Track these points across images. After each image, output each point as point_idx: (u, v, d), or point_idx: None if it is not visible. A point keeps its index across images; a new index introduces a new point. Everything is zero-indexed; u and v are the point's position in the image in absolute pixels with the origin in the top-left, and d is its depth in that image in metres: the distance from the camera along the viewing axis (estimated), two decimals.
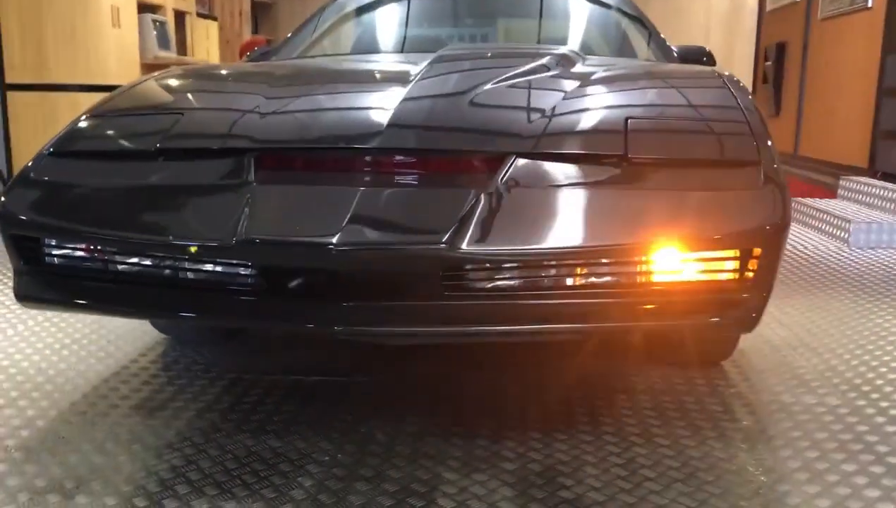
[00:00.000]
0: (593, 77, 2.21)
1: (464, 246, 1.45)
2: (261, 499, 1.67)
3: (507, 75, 2.17)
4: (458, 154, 1.70)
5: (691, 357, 2.49)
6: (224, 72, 2.53)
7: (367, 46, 3.71)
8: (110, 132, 1.96)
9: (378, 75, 2.41)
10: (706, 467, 1.84)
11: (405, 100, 1.88)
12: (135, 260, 1.66)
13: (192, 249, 1.53)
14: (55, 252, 1.73)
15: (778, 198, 1.58)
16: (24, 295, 1.73)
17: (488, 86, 2.04)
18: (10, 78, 5.27)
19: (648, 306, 1.55)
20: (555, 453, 1.90)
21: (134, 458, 1.86)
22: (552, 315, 1.53)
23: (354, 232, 1.46)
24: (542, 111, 1.87)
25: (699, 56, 3.42)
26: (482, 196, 1.56)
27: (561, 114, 1.86)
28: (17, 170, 5.28)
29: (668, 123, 1.84)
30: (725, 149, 1.73)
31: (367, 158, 1.68)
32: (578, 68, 2.37)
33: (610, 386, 2.33)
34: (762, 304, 1.59)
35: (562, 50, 2.69)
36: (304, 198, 1.60)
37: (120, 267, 1.67)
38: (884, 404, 2.21)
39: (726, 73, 2.36)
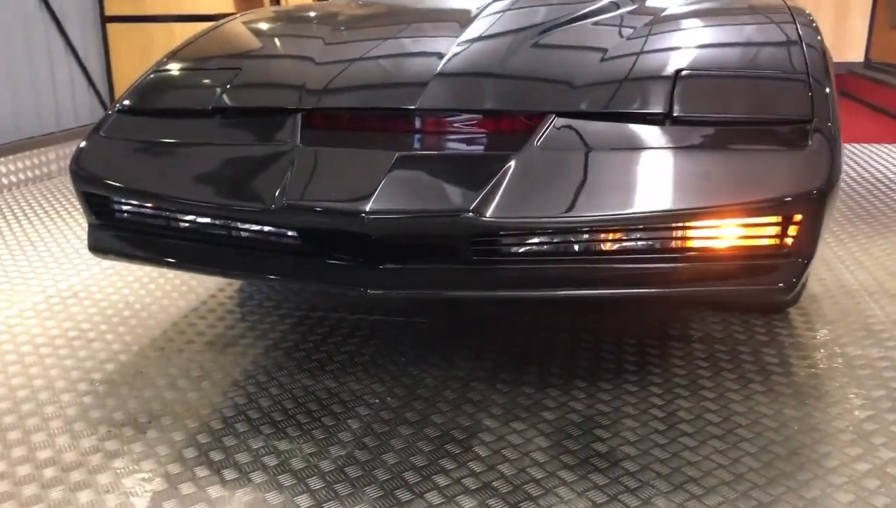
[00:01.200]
0: (656, 18, 2.14)
1: (490, 213, 1.47)
2: (311, 440, 1.80)
3: (567, 18, 2.13)
4: (495, 114, 1.71)
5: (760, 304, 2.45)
6: (290, 17, 2.58)
7: None
8: (172, 89, 2.05)
9: (436, 16, 2.40)
10: (748, 423, 1.85)
11: (450, 55, 1.89)
12: (189, 218, 1.76)
13: (237, 211, 1.62)
14: (121, 208, 1.85)
15: (823, 161, 1.52)
16: (95, 247, 1.88)
17: (539, 34, 2.02)
18: (108, 10, 5.48)
19: (683, 272, 1.54)
20: (596, 404, 1.94)
21: (202, 395, 2.02)
22: (583, 280, 1.54)
23: (385, 198, 1.51)
24: (588, 64, 1.84)
25: None
26: (515, 160, 1.57)
27: (608, 69, 1.82)
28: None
29: (718, 76, 1.77)
30: (774, 107, 1.66)
31: (401, 120, 1.71)
32: (647, 4, 2.30)
33: (665, 334, 2.33)
34: (802, 270, 1.55)
35: None
36: (341, 162, 1.65)
37: (177, 224, 1.79)
38: None
39: (801, 12, 2.24)
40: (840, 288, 2.70)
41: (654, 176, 1.54)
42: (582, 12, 2.24)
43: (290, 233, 1.66)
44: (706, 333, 2.34)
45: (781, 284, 1.54)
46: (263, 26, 2.44)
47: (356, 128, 1.77)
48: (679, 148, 1.58)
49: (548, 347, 2.25)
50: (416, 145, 1.66)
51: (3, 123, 4.60)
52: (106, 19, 5.47)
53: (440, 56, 1.95)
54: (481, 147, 1.64)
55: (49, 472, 1.69)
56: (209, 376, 2.12)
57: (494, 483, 1.62)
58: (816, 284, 2.73)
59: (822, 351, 2.22)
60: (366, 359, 2.19)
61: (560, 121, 1.66)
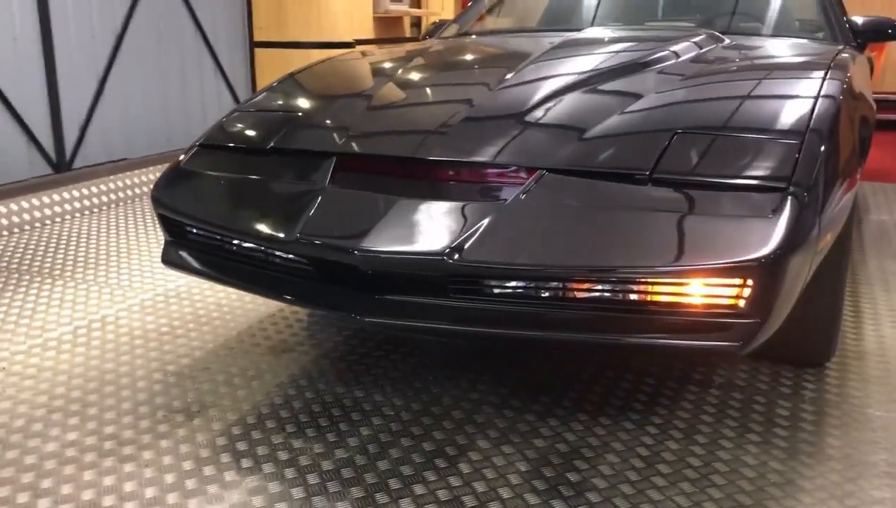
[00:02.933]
0: (685, 77, 2.26)
1: (464, 258, 1.67)
2: (323, 441, 2.06)
3: (597, 73, 2.29)
4: (492, 167, 1.90)
5: (790, 355, 2.48)
6: (354, 65, 2.87)
7: (552, 18, 3.87)
8: (243, 129, 2.38)
9: (491, 61, 2.61)
10: (726, 471, 1.93)
11: (476, 106, 2.11)
12: (236, 243, 2.07)
13: (266, 239, 1.91)
14: (188, 230, 2.20)
15: (781, 228, 1.59)
16: (167, 260, 2.23)
17: (565, 88, 2.19)
18: (256, 37, 6.06)
19: (644, 323, 1.67)
20: (588, 437, 2.08)
21: (249, 392, 2.33)
22: (548, 324, 1.70)
23: (378, 238, 1.75)
24: (594, 121, 1.99)
25: (884, 29, 3.17)
26: (496, 211, 1.76)
27: (610, 126, 1.97)
28: None
29: (712, 138, 1.87)
30: (753, 171, 1.74)
31: (408, 167, 1.94)
32: (686, 61, 2.42)
33: (687, 377, 2.42)
34: (757, 331, 1.64)
35: (690, 38, 2.70)
36: (353, 203, 1.89)
37: (228, 247, 2.10)
38: None
39: (843, 64, 2.28)
40: (895, 347, 2.66)
41: (623, 233, 1.68)
42: (622, 63, 2.39)
43: (303, 263, 1.93)
44: (728, 380, 2.41)
45: (736, 343, 1.63)
46: (323, 77, 2.75)
47: (374, 172, 2.01)
48: (652, 208, 1.71)
49: (567, 379, 2.39)
50: (417, 191, 1.88)
51: (155, 135, 5.22)
52: (254, 45, 6.05)
53: (470, 104, 2.17)
54: (473, 197, 1.83)
55: (108, 444, 2.05)
56: (261, 376, 2.44)
57: (464, 498, 1.81)
58: (872, 341, 2.71)
59: (839, 409, 2.23)
60: (398, 374, 2.43)
61: (548, 177, 1.83)
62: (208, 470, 1.93)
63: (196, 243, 2.19)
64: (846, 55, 2.65)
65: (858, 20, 3.20)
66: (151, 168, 4.99)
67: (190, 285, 3.26)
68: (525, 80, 2.32)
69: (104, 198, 4.65)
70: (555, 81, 2.29)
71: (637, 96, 2.14)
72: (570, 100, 2.15)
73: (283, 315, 2.94)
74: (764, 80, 2.27)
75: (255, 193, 2.08)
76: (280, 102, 2.53)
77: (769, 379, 2.41)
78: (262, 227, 1.94)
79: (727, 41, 2.79)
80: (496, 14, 3.93)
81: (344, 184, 1.99)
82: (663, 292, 1.66)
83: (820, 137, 1.87)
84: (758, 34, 3.12)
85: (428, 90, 2.43)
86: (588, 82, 2.26)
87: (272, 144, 2.22)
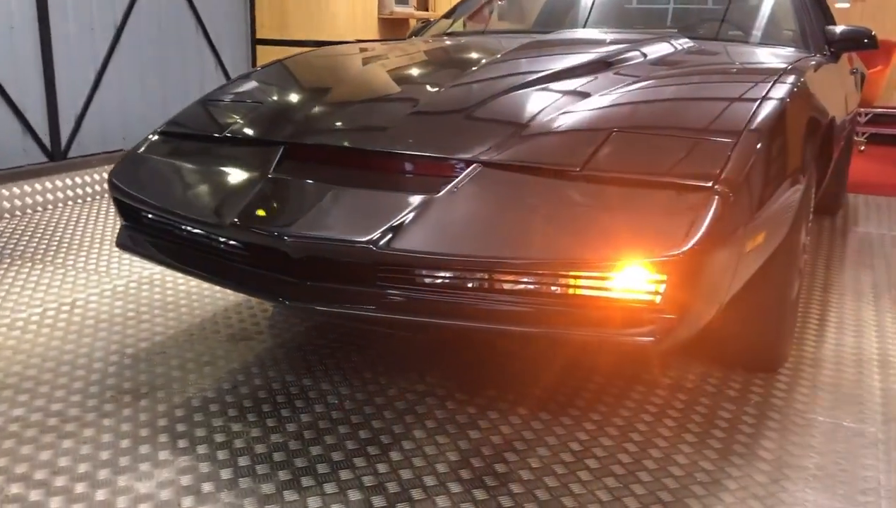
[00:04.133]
0: (639, 78, 2.27)
1: (389, 246, 1.69)
2: (261, 426, 2.09)
3: (551, 73, 2.31)
4: (430, 160, 1.92)
5: (740, 360, 2.48)
6: (324, 59, 2.91)
7: (545, 19, 3.90)
8: (201, 118, 2.43)
9: (436, 70, 2.63)
10: (654, 468, 1.93)
11: (423, 101, 2.14)
12: (182, 229, 2.11)
13: (206, 225, 1.95)
14: (141, 215, 2.24)
15: (698, 225, 1.61)
16: (120, 244, 2.28)
17: (513, 86, 2.21)
18: (259, 34, 6.13)
19: (562, 316, 1.69)
20: (524, 430, 2.09)
21: (200, 377, 2.37)
22: (471, 314, 1.72)
23: (307, 224, 1.78)
24: (535, 117, 2.02)
25: (860, 38, 3.17)
26: (426, 202, 1.78)
27: (551, 123, 1.99)
28: None
29: (648, 136, 1.89)
30: (682, 168, 1.76)
31: (349, 158, 1.98)
32: (644, 64, 2.44)
33: (636, 377, 2.43)
34: (673, 327, 1.65)
35: (654, 42, 2.72)
36: (289, 191, 1.93)
37: (176, 233, 2.14)
38: None
39: (799, 69, 2.29)
40: (853, 355, 2.65)
41: (547, 227, 1.70)
42: (577, 64, 2.41)
43: (240, 248, 1.97)
44: (676, 382, 2.41)
45: (652, 338, 1.65)
46: (306, 63, 2.80)
47: (317, 161, 2.05)
48: (578, 203, 1.73)
49: (517, 374, 2.41)
50: (355, 181, 1.91)
51: (154, 125, 5.29)
52: (256, 41, 6.12)
53: (419, 101, 2.20)
54: (408, 188, 1.86)
55: (52, 421, 2.09)
56: (215, 362, 2.47)
57: (388, 484, 1.84)
58: (830, 349, 2.70)
59: (781, 414, 2.23)
60: (349, 366, 2.46)
61: (482, 170, 1.86)
62: (144, 449, 1.97)
63: (148, 227, 2.24)
64: (810, 62, 2.65)
65: (836, 29, 3.20)
66: None
67: (164, 272, 3.31)
68: (478, 78, 2.35)
69: (97, 188, 4.73)
70: (507, 80, 2.32)
71: (585, 95, 2.16)
72: (516, 97, 2.17)
73: (249, 304, 2.98)
74: (715, 82, 2.29)
75: (203, 180, 2.12)
76: (243, 93, 2.57)
77: (718, 382, 2.41)
78: (204, 212, 1.98)
79: (692, 45, 2.80)
80: (485, 14, 3.96)
81: (287, 172, 2.03)
82: (583, 285, 1.68)
83: (758, 137, 1.88)
84: (726, 40, 3.13)
85: (385, 86, 2.46)
86: (539, 81, 2.28)
87: (226, 133, 2.26)
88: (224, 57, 5.80)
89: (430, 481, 1.85)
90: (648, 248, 1.60)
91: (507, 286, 1.72)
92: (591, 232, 1.67)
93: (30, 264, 3.41)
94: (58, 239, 3.84)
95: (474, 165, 1.87)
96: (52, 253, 3.59)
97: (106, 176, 4.73)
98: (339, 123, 2.17)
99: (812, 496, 1.84)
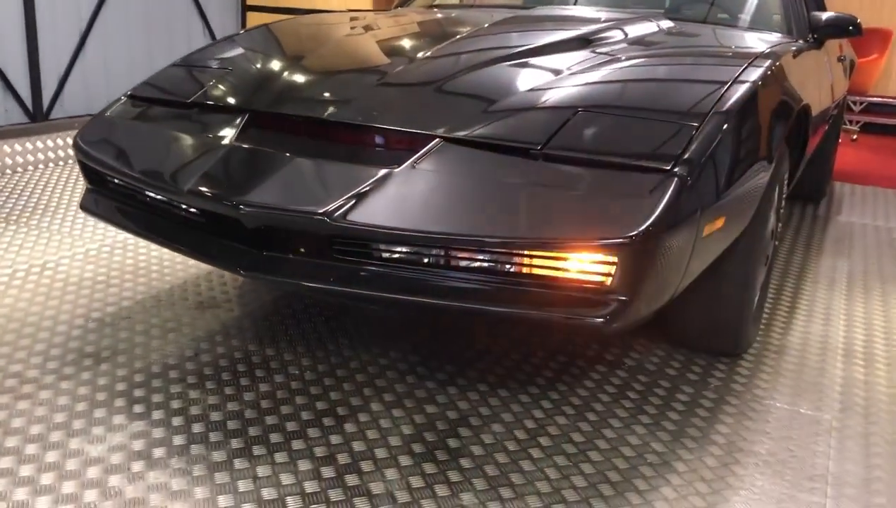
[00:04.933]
0: (612, 57, 2.25)
1: (344, 218, 1.68)
2: (218, 394, 2.09)
3: (525, 49, 2.29)
4: (392, 133, 1.91)
5: (703, 343, 2.49)
6: (303, 27, 2.88)
7: None
8: (171, 82, 2.41)
9: (411, 42, 2.60)
10: (605, 448, 1.94)
11: (390, 74, 2.12)
12: (144, 194, 2.10)
13: (166, 191, 1.94)
14: (105, 179, 2.22)
15: (651, 208, 1.60)
16: (84, 207, 2.27)
17: (486, 64, 2.19)
18: (250, 1, 6.06)
19: (516, 294, 1.68)
20: (480, 406, 2.10)
21: (163, 343, 2.37)
22: (427, 290, 1.71)
23: (263, 193, 1.77)
24: (500, 94, 2.00)
25: (845, 25, 3.14)
26: (385, 175, 1.77)
27: (515, 100, 1.97)
28: None
29: (611, 116, 1.88)
30: (643, 150, 1.75)
31: (312, 128, 1.96)
32: (619, 43, 2.42)
33: (600, 358, 2.43)
34: (624, 308, 1.65)
35: (634, 21, 2.70)
36: (249, 160, 1.91)
37: (138, 199, 2.13)
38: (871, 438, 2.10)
39: (773, 54, 2.27)
40: (819, 344, 2.66)
41: (504, 205, 1.69)
42: (553, 41, 2.39)
43: (198, 215, 1.96)
44: (639, 363, 2.42)
45: (602, 319, 1.65)
46: (283, 31, 2.77)
47: (280, 130, 2.03)
48: (536, 183, 1.72)
49: (481, 351, 2.41)
50: (315, 151, 1.90)
51: None
52: (247, 7, 6.05)
53: (388, 73, 2.18)
54: (369, 160, 1.84)
55: (9, 382, 2.09)
56: (179, 329, 2.47)
57: (338, 455, 1.84)
58: (797, 337, 2.71)
59: (740, 399, 2.24)
60: (314, 336, 2.46)
61: (443, 146, 1.85)
62: (99, 413, 1.97)
63: (112, 192, 2.22)
64: (790, 47, 2.64)
65: (822, 16, 3.18)
66: None
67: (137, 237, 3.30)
68: (451, 52, 2.33)
69: None
70: (481, 55, 2.30)
71: (557, 73, 2.14)
72: (486, 73, 2.15)
73: (220, 272, 2.98)
74: (689, 64, 2.27)
75: (167, 146, 2.10)
76: (213, 59, 2.54)
77: (680, 365, 2.42)
78: (164, 179, 1.97)
79: (674, 26, 2.78)
80: None
81: (249, 140, 2.01)
82: (538, 265, 1.68)
83: (723, 121, 1.87)
84: (711, 22, 3.10)
85: (358, 57, 2.44)
86: (513, 57, 2.26)
87: (193, 99, 2.25)
88: (213, 23, 5.74)
89: (381, 453, 1.86)
90: (601, 230, 1.60)
91: (461, 263, 1.72)
92: (547, 212, 1.66)
93: (3, 225, 3.40)
94: (35, 200, 3.82)
95: (436, 140, 1.86)
96: (27, 214, 3.58)
97: None
98: (304, 93, 2.15)
99: (760, 480, 1.85)
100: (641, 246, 1.59)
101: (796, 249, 3.76)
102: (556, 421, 2.05)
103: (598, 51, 2.36)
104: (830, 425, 2.13)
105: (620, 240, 1.58)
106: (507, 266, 1.70)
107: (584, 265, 1.65)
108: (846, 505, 1.78)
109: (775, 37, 2.92)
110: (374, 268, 1.76)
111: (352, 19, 3.01)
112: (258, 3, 6.07)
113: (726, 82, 2.03)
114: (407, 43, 2.57)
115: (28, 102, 4.58)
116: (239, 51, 2.60)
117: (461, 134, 1.86)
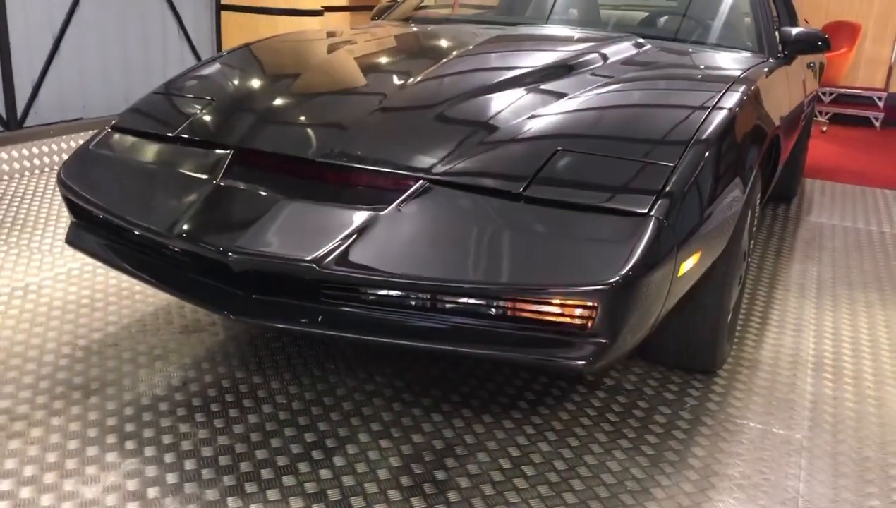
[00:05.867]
0: (592, 88, 2.31)
1: (335, 265, 1.73)
2: (208, 427, 2.13)
3: (505, 80, 2.34)
4: (378, 175, 1.95)
5: (679, 362, 2.56)
6: (280, 50, 2.90)
7: (506, 9, 3.90)
8: (154, 113, 2.42)
9: (391, 70, 2.64)
10: (587, 476, 2.02)
11: (377, 106, 2.17)
12: (128, 233, 2.12)
13: (153, 233, 1.96)
14: (90, 215, 2.24)
15: (628, 255, 1.66)
16: (70, 241, 2.29)
17: (469, 96, 2.24)
18: (224, 0, 6.03)
19: (498, 337, 1.74)
20: (465, 434, 2.16)
21: (150, 372, 2.40)
22: (409, 333, 1.77)
23: (251, 239, 1.81)
24: (483, 132, 2.05)
25: (814, 41, 3.22)
26: (372, 219, 1.81)
27: (497, 138, 2.02)
28: None
29: (588, 157, 1.94)
30: (618, 196, 1.81)
31: (298, 167, 2.00)
32: (601, 68, 2.48)
33: (580, 378, 2.50)
34: (604, 351, 1.71)
35: (611, 43, 2.75)
36: (236, 201, 1.95)
37: (123, 236, 2.15)
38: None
39: (750, 79, 2.34)
40: (790, 357, 2.75)
41: (487, 249, 1.74)
42: (534, 69, 2.44)
43: (185, 257, 1.99)
44: (618, 382, 2.49)
45: (583, 361, 1.71)
46: (261, 54, 2.79)
47: (266, 169, 2.06)
48: (518, 227, 1.77)
49: (464, 375, 2.46)
50: (301, 192, 1.93)
51: (113, 96, 5.21)
52: (221, 7, 6.01)
53: (371, 105, 2.22)
54: (354, 202, 1.88)
55: (0, 419, 2.12)
56: (166, 356, 2.50)
57: (329, 491, 1.90)
58: (769, 350, 2.79)
59: (715, 419, 2.32)
60: (300, 362, 2.50)
61: (427, 188, 1.89)
62: (91, 451, 2.00)
63: (97, 227, 2.24)
64: (763, 69, 2.70)
65: (792, 31, 3.25)
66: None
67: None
68: (432, 82, 2.37)
69: (55, 158, 4.67)
70: (461, 84, 2.34)
71: (535, 106, 2.19)
72: (468, 106, 2.20)
73: None
74: (664, 93, 2.33)
75: (152, 183, 2.13)
76: (196, 87, 2.56)
77: (657, 384, 2.50)
78: (150, 219, 1.99)
79: (648, 48, 2.83)
80: None
81: (235, 179, 2.04)
82: (520, 309, 1.73)
83: (699, 157, 1.93)
84: (682, 41, 3.16)
85: (340, 87, 2.47)
86: (493, 88, 2.30)
87: (177, 132, 2.27)
88: (187, 23, 5.70)
89: (371, 488, 1.92)
90: (581, 276, 1.66)
91: (447, 306, 1.77)
92: (528, 257, 1.71)
93: None
94: (12, 214, 3.80)
95: (420, 182, 1.90)
96: (5, 230, 3.57)
97: (65, 145, 4.68)
98: (288, 129, 2.18)
99: (734, 505, 1.93)
100: (621, 290, 1.65)
101: (767, 255, 3.85)
102: (539, 447, 2.12)
103: (578, 79, 2.41)
104: (801, 444, 2.22)
105: (601, 286, 1.63)
106: (490, 310, 1.76)
107: (566, 309, 1.71)
108: None
109: (747, 56, 2.98)
110: (361, 312, 1.81)
111: (332, 39, 3.03)
112: (233, 3, 6.03)
113: (702, 113, 2.10)
114: (390, 69, 2.60)
115: (1, 110, 4.54)
116: (221, 78, 2.62)
117: (444, 177, 1.91)
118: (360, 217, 1.83)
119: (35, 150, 4.55)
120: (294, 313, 1.82)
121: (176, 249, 2.00)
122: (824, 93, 7.81)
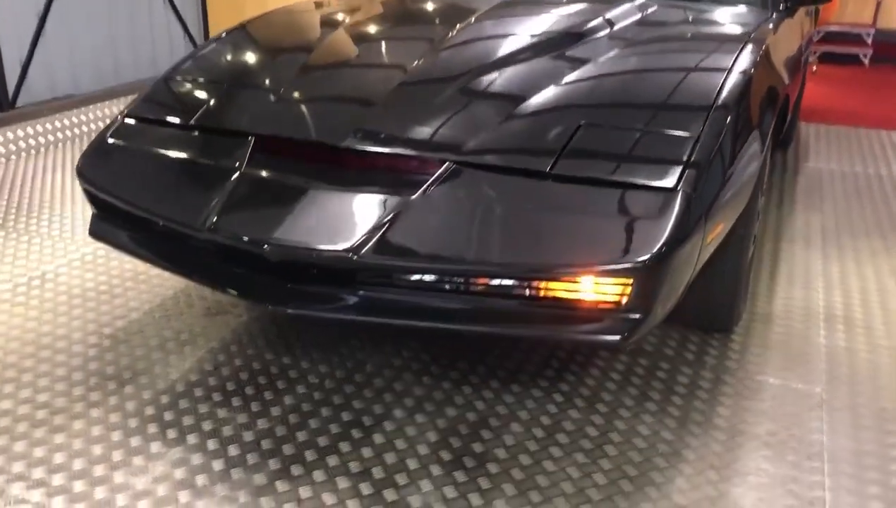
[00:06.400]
0: (606, 55, 2.32)
1: (372, 254, 1.75)
2: (246, 411, 2.17)
3: (522, 48, 2.35)
4: (404, 158, 1.96)
5: (696, 321, 2.62)
6: (289, 23, 2.87)
7: None
8: (167, 100, 2.40)
9: (405, 42, 2.62)
10: (619, 441, 2.08)
11: (396, 84, 2.17)
12: (153, 224, 2.13)
13: (180, 225, 1.97)
14: (112, 206, 2.24)
15: (661, 231, 1.69)
16: (93, 233, 2.29)
17: (483, 69, 2.24)
18: None
19: (535, 316, 1.78)
20: (497, 405, 2.22)
21: (181, 358, 2.43)
22: (448, 315, 1.81)
23: (287, 230, 1.82)
24: (503, 109, 2.06)
25: None
26: (403, 205, 1.83)
27: (518, 116, 2.03)
28: None
29: (611, 131, 1.95)
30: (645, 171, 1.84)
31: (325, 154, 2.01)
32: (611, 33, 2.48)
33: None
34: (638, 325, 1.76)
35: (618, 6, 2.75)
36: (265, 191, 1.96)
37: (148, 227, 2.16)
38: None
39: (760, 39, 2.35)
40: (802, 310, 2.81)
41: (520, 230, 1.77)
42: (551, 34, 2.45)
43: (213, 248, 2.00)
44: (637, 345, 2.55)
45: (619, 336, 1.76)
46: (270, 29, 2.77)
47: (291, 155, 2.07)
48: (548, 207, 1.80)
49: (487, 345, 2.51)
50: (330, 178, 1.95)
51: (102, 70, 5.15)
52: None
53: (388, 83, 2.22)
54: (384, 187, 1.89)
55: (40, 413, 2.15)
56: (194, 341, 2.53)
57: (373, 469, 1.95)
58: (781, 304, 2.85)
59: (735, 377, 2.39)
60: (326, 340, 2.54)
61: (455, 170, 1.91)
62: (135, 441, 2.04)
63: (120, 219, 2.25)
64: (768, 26, 2.71)
65: None
66: (98, 104, 4.94)
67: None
68: (445, 58, 2.36)
69: (49, 137, 4.62)
70: (476, 55, 2.35)
71: (553, 76, 2.20)
72: (486, 81, 2.20)
73: None
74: (679, 58, 2.34)
75: (174, 173, 2.13)
76: (206, 71, 2.54)
77: (676, 344, 2.56)
78: (178, 211, 2.00)
79: (655, 9, 2.82)
80: None
81: (260, 167, 2.05)
82: (554, 288, 1.77)
83: (720, 125, 1.95)
84: None
85: (353, 60, 2.46)
86: (508, 60, 2.30)
87: (193, 121, 2.26)
88: None
89: (412, 464, 1.97)
90: (616, 254, 1.69)
91: (483, 289, 1.80)
92: (561, 238, 1.74)
93: None
94: (16, 199, 3.78)
95: (447, 164, 1.92)
96: (13, 216, 3.56)
97: (59, 124, 4.63)
98: (308, 111, 2.18)
99: (764, 463, 2.00)
100: (655, 267, 1.69)
101: (770, 206, 3.90)
102: (569, 415, 2.18)
103: (592, 44, 2.41)
104: (821, 398, 2.29)
105: (635, 264, 1.67)
106: (525, 290, 1.79)
107: (600, 287, 1.75)
108: (844, 482, 1.95)
109: (753, 11, 2.98)
110: (396, 297, 1.84)
111: (334, 10, 3.00)
112: None
113: (719, 77, 2.11)
114: (402, 39, 2.59)
115: None
116: (230, 60, 2.59)
117: (471, 158, 1.92)
118: (390, 203, 1.85)
119: (30, 130, 4.50)
120: (330, 301, 1.85)
121: (206, 240, 2.01)
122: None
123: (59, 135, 4.66)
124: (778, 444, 2.08)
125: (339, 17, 2.88)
